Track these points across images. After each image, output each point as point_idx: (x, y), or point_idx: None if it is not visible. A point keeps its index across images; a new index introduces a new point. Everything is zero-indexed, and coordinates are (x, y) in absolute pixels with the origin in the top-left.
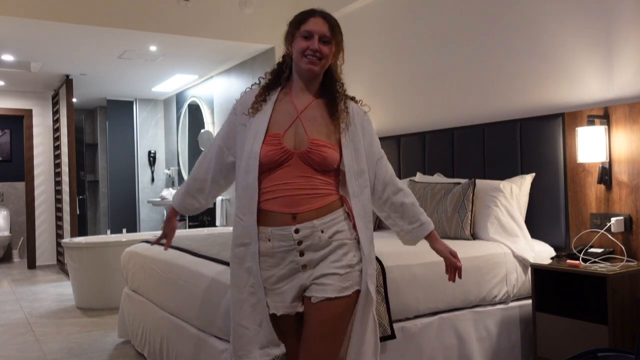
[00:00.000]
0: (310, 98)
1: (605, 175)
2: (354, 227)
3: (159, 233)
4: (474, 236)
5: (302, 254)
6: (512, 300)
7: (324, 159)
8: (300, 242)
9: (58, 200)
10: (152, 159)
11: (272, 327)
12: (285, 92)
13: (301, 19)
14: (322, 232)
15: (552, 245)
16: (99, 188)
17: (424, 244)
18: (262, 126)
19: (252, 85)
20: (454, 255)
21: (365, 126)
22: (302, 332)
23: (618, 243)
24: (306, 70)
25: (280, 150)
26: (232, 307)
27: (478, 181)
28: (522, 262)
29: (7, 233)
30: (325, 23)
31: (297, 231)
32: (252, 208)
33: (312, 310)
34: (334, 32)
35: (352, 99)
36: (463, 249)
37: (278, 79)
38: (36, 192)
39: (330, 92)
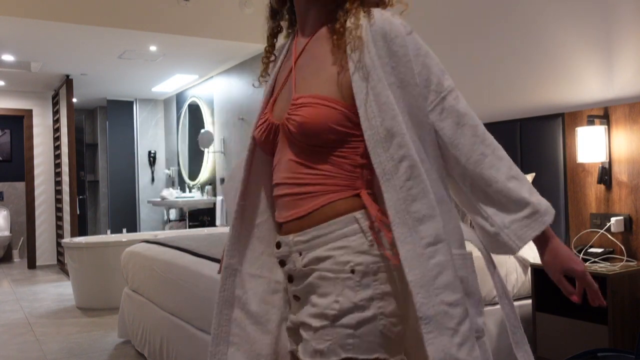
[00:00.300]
0: (315, 27)
1: (605, 175)
2: (380, 240)
3: (159, 233)
4: None
5: (290, 279)
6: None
7: (300, 125)
8: (282, 263)
9: (58, 200)
10: (152, 159)
11: None
12: (292, 39)
13: None
14: (300, 254)
15: None
16: (99, 188)
17: None
18: (266, 93)
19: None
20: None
21: (398, 51)
22: None
23: (618, 243)
24: None
25: (265, 123)
26: None
27: None
28: (522, 262)
29: (7, 233)
30: None
31: (278, 246)
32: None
33: None
34: None
35: (378, 4)
36: None
37: (277, 21)
38: (36, 192)
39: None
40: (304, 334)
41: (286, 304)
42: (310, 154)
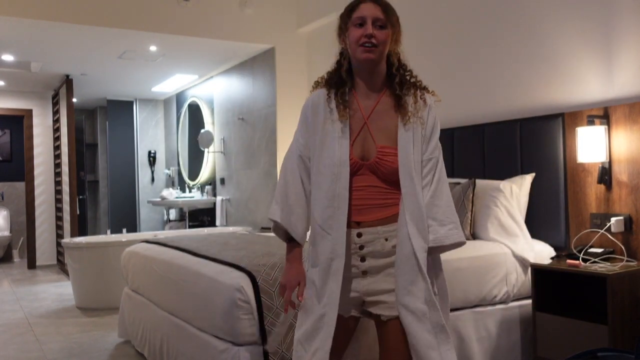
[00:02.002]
0: (377, 97)
1: (605, 175)
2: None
3: (159, 233)
4: (474, 236)
5: (363, 259)
6: (512, 300)
7: (393, 169)
8: (362, 247)
9: (58, 200)
10: (152, 159)
11: (326, 357)
12: (352, 94)
13: (351, 7)
14: (387, 240)
15: (552, 245)
16: (99, 188)
17: None
18: (346, 131)
19: (312, 89)
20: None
21: (424, 117)
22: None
23: (618, 243)
24: (363, 60)
25: (352, 162)
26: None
27: (478, 181)
28: (522, 262)
29: (7, 233)
30: (376, 6)
31: (359, 235)
32: (342, 220)
33: (386, 328)
34: (387, 14)
35: (424, 88)
36: (463, 249)
37: (341, 77)
38: (36, 192)
39: (398, 83)
40: (393, 297)
41: (346, 281)
42: (384, 182)
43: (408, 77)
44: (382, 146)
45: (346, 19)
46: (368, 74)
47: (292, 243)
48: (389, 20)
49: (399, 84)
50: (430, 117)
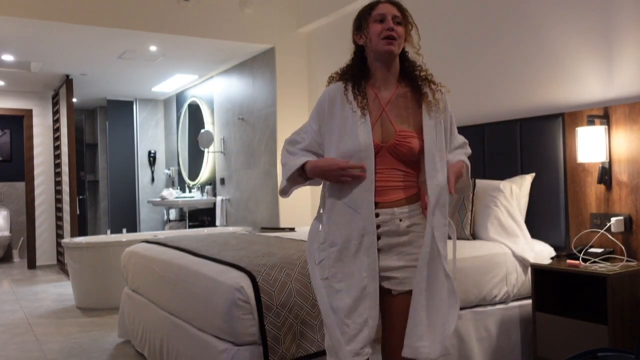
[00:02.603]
0: (393, 87)
1: (605, 175)
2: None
3: (159, 233)
4: (474, 236)
5: (378, 237)
6: (512, 300)
7: (411, 149)
8: (378, 226)
9: (58, 200)
10: (152, 159)
11: (376, 325)
12: (368, 85)
13: (371, 6)
14: (401, 220)
15: (552, 245)
16: (99, 188)
17: None
18: (366, 117)
19: (327, 83)
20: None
21: (446, 107)
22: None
23: (618, 243)
24: (386, 51)
25: (374, 144)
26: (332, 308)
27: (478, 181)
28: (522, 262)
29: (7, 233)
30: (393, 6)
31: (377, 215)
32: (370, 200)
33: (395, 303)
34: (403, 13)
35: (435, 82)
36: (463, 249)
37: (357, 71)
38: (36, 192)
39: (411, 77)
40: (405, 273)
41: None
42: (403, 164)
43: (418, 72)
44: (401, 129)
45: (367, 16)
46: (386, 66)
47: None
48: (405, 18)
49: (416, 76)
50: (448, 108)
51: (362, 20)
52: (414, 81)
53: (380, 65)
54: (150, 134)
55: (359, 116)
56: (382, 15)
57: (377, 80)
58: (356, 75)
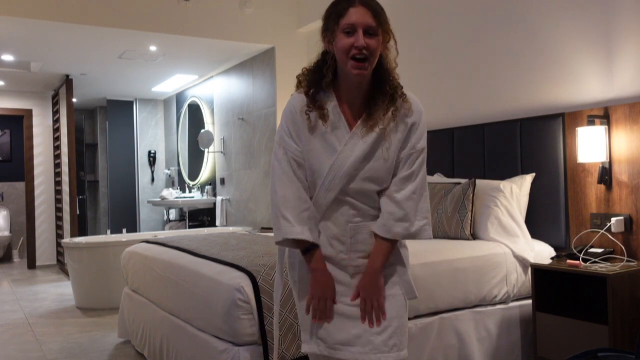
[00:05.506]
0: (360, 103)
1: (605, 175)
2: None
3: (159, 233)
4: (474, 236)
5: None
6: (512, 300)
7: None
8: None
9: (58, 200)
10: (152, 159)
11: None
12: (335, 97)
13: (339, 10)
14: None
15: (552, 245)
16: (99, 188)
17: (423, 244)
18: (336, 141)
19: (295, 87)
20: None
21: (406, 122)
22: None
23: (618, 243)
24: (355, 76)
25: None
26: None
27: (478, 181)
28: (522, 262)
29: (7, 233)
30: (367, 11)
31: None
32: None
33: None
34: (379, 20)
35: (402, 95)
36: (463, 249)
37: (322, 82)
38: (36, 192)
39: (380, 94)
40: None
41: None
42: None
43: (388, 89)
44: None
45: (333, 23)
46: (355, 84)
47: (310, 250)
48: (381, 26)
49: (383, 93)
50: (410, 122)
51: (329, 25)
52: (380, 99)
53: (347, 80)
54: (150, 134)
55: (324, 139)
56: (351, 26)
57: (345, 92)
58: (321, 86)
